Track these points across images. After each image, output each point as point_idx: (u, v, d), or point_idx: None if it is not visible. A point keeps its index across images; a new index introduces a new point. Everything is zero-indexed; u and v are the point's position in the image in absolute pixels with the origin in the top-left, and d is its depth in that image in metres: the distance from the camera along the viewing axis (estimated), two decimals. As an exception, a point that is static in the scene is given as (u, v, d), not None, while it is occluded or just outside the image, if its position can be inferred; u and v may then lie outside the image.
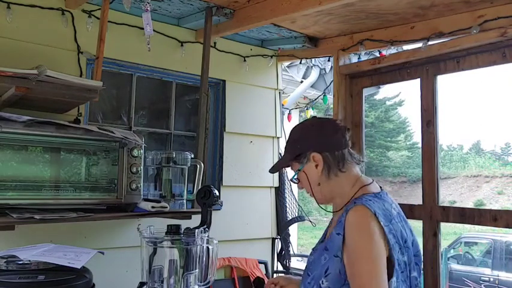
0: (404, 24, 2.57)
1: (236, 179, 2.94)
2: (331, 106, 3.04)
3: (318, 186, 1.56)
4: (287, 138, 1.66)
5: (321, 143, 1.55)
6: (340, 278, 1.39)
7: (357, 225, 1.39)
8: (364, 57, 3.06)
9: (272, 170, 1.72)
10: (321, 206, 1.64)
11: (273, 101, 3.19)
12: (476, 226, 3.12)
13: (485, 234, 9.67)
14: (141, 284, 1.77)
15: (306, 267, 1.56)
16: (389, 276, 1.37)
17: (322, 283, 1.42)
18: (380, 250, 1.36)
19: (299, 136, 1.61)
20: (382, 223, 1.37)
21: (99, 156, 1.99)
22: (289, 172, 3.25)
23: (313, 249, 1.59)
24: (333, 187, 1.55)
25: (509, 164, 27.06)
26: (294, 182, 1.64)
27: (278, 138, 3.20)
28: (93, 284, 1.78)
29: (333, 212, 1.63)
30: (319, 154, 1.53)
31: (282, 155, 1.69)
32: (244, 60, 3.00)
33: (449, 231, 15.14)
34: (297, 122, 5.09)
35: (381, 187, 1.56)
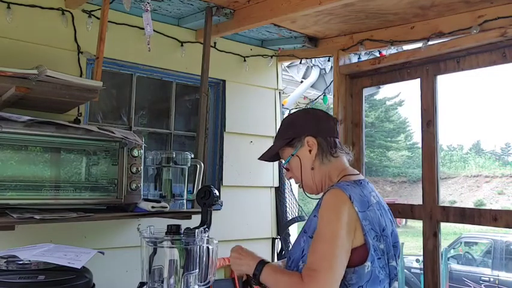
0: (404, 24, 2.57)
1: (236, 179, 2.94)
2: (331, 106, 3.04)
3: (310, 172, 1.57)
4: (279, 126, 1.67)
5: (315, 128, 1.58)
6: None
7: (328, 206, 1.41)
8: (364, 57, 3.06)
9: (262, 158, 1.72)
10: (308, 195, 1.65)
11: (273, 101, 3.19)
12: (476, 226, 3.12)
13: (485, 234, 9.67)
14: (141, 284, 1.77)
15: (289, 251, 1.58)
16: (364, 260, 1.38)
17: (300, 265, 1.46)
18: (342, 234, 1.36)
19: (292, 122, 1.63)
20: (356, 208, 1.39)
21: (99, 156, 1.99)
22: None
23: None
24: (323, 174, 1.57)
25: (509, 164, 27.08)
26: (285, 169, 1.65)
27: (278, 138, 3.19)
28: (93, 284, 1.77)
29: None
30: (313, 138, 1.56)
31: (273, 142, 1.69)
32: (244, 60, 3.00)
33: (449, 231, 15.15)
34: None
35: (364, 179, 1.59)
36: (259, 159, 1.75)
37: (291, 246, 1.61)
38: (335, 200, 1.41)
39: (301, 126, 1.59)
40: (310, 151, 1.57)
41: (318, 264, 1.34)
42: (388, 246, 1.46)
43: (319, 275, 1.32)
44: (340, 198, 1.40)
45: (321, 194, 1.59)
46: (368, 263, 1.38)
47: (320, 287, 1.31)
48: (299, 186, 1.64)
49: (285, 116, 3.59)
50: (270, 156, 1.70)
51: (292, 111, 1.71)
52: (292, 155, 1.59)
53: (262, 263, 1.49)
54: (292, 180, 1.72)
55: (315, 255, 1.37)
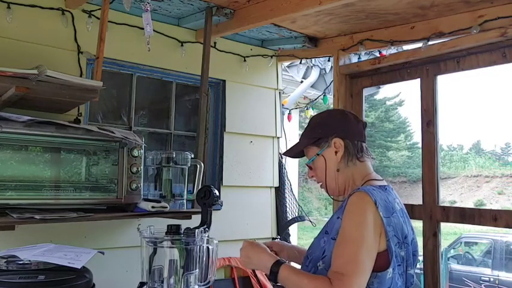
0: (404, 24, 2.57)
1: (236, 179, 2.94)
2: (331, 106, 3.04)
3: (334, 174, 1.55)
4: (307, 125, 1.65)
5: (344, 130, 1.56)
6: None
7: (354, 209, 1.39)
8: (364, 57, 3.06)
9: (287, 153, 1.71)
10: (331, 196, 1.63)
11: (273, 101, 3.19)
12: (476, 226, 3.12)
13: (485, 234, 9.67)
14: (141, 284, 1.77)
15: (307, 250, 1.57)
16: (386, 267, 1.37)
17: (319, 265, 1.44)
18: (369, 237, 1.35)
19: (321, 121, 1.61)
20: (381, 214, 1.38)
21: (99, 156, 1.99)
22: (290, 171, 3.26)
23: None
24: (347, 177, 1.55)
25: (509, 164, 27.08)
26: (308, 167, 1.63)
27: (278, 138, 3.20)
28: (93, 284, 1.78)
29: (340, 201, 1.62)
30: (341, 140, 1.54)
31: (299, 140, 1.66)
32: (244, 60, 3.00)
33: (449, 231, 15.15)
34: (297, 122, 5.09)
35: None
36: (283, 154, 1.75)
37: (309, 246, 1.57)
38: (361, 202, 1.39)
39: (329, 127, 1.57)
40: (336, 153, 1.55)
41: (346, 267, 1.32)
42: (408, 254, 1.45)
43: (348, 278, 1.30)
44: (366, 202, 1.38)
45: (341, 196, 1.59)
46: (390, 270, 1.37)
47: None
48: (321, 186, 1.62)
49: (284, 116, 3.60)
50: (294, 153, 1.68)
51: (322, 111, 1.69)
52: (318, 155, 1.57)
53: (278, 263, 1.45)
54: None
55: (342, 259, 1.34)
